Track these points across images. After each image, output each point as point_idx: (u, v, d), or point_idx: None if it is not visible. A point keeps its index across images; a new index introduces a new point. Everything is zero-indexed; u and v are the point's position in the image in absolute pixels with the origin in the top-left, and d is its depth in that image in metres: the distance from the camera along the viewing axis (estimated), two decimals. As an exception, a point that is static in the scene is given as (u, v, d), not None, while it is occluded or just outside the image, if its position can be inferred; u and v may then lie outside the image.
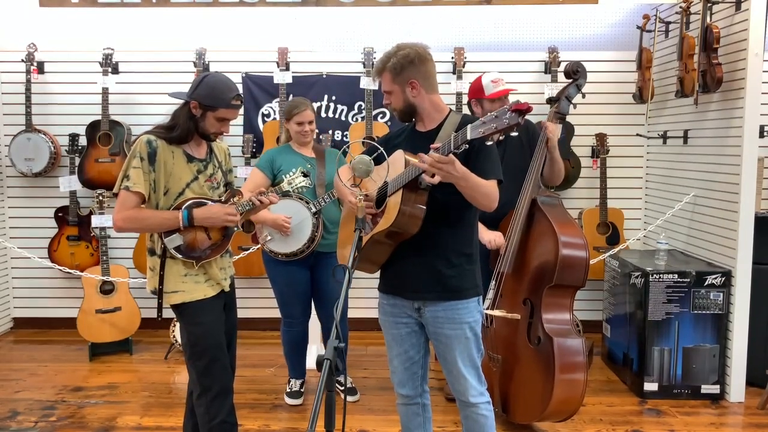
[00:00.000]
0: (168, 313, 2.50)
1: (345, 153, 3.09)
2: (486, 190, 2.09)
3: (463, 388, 2.31)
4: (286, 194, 3.27)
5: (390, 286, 2.36)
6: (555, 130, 3.08)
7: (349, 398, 3.55)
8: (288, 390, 3.60)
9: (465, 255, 2.26)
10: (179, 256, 2.44)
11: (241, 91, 4.59)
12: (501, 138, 1.85)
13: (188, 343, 2.49)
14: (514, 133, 1.84)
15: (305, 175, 2.82)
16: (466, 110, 3.88)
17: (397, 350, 2.38)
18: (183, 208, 2.42)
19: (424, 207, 2.14)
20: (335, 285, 3.38)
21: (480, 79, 3.34)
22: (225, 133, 2.51)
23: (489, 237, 3.09)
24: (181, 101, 2.48)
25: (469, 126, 1.89)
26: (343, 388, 3.38)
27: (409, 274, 2.27)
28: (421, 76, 2.22)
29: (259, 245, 4.44)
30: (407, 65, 2.20)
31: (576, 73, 3.09)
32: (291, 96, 4.64)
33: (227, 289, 2.59)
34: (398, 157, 2.19)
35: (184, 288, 2.46)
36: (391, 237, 2.20)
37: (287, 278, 3.44)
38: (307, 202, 3.33)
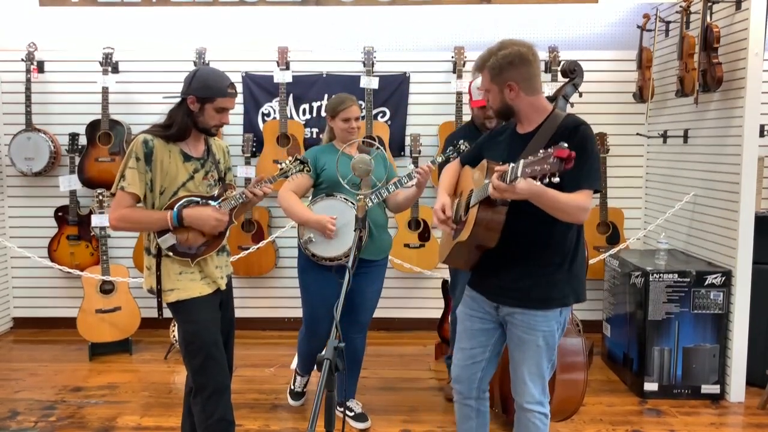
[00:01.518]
0: (168, 312, 2.50)
1: (373, 150, 3.05)
2: (568, 206, 2.00)
3: (521, 390, 2.25)
4: (329, 195, 3.09)
5: (474, 282, 2.37)
6: None
7: (360, 425, 3.28)
8: (291, 387, 3.56)
9: (555, 264, 2.19)
10: (174, 255, 2.45)
11: (241, 90, 4.65)
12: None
13: (184, 340, 2.49)
14: (556, 179, 1.73)
15: (302, 162, 2.64)
16: (466, 109, 3.87)
17: (463, 344, 2.37)
18: (174, 207, 2.43)
19: (501, 222, 2.09)
20: (372, 296, 3.23)
21: (471, 83, 3.31)
22: (226, 124, 2.51)
23: None
24: (176, 101, 2.48)
25: (521, 161, 1.81)
26: (351, 414, 3.30)
27: (492, 277, 2.26)
28: (521, 78, 2.13)
29: (265, 242, 4.46)
30: (506, 66, 2.12)
31: (573, 72, 3.08)
32: (291, 95, 4.65)
33: (224, 287, 2.59)
34: (483, 166, 2.15)
35: (180, 286, 2.46)
36: (472, 246, 2.18)
37: (321, 292, 3.12)
38: (353, 203, 3.02)
